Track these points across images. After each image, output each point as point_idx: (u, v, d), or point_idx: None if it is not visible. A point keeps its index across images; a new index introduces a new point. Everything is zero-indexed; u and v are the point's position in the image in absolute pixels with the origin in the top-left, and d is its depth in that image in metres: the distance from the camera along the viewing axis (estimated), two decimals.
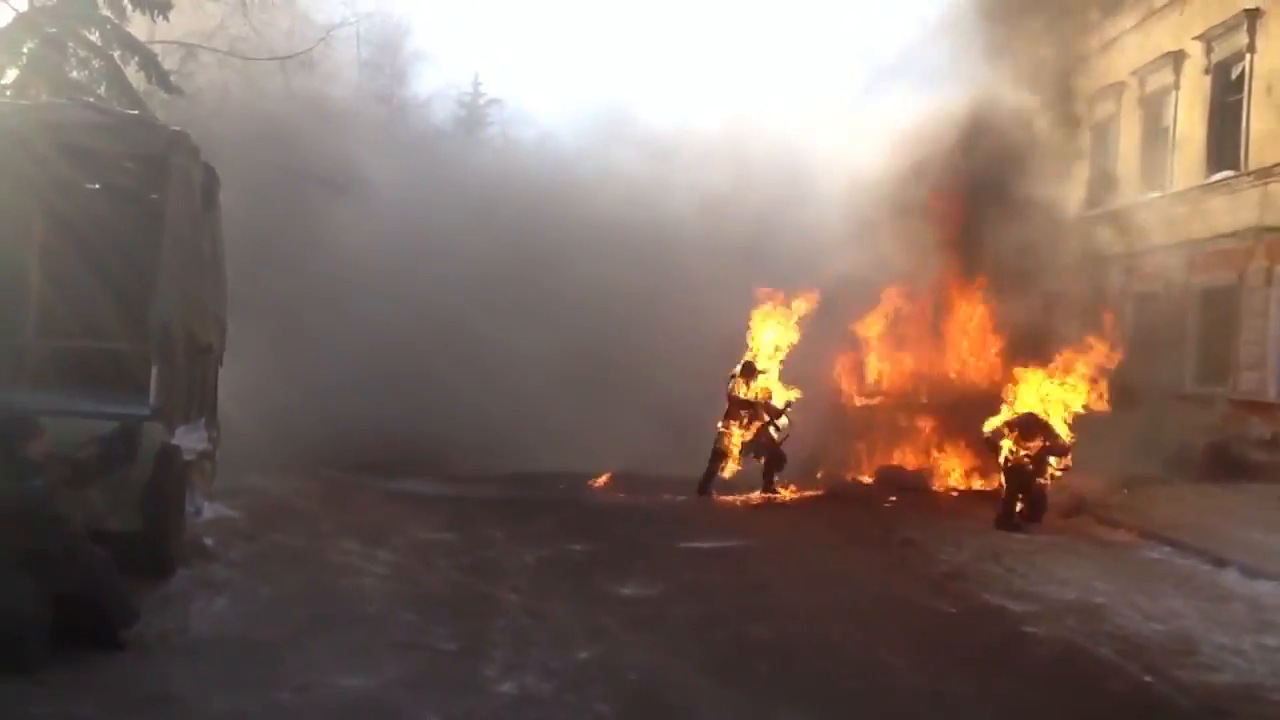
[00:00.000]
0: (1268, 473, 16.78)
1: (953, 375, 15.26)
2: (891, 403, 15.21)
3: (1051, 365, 12.90)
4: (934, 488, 13.73)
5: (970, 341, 15.42)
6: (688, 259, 17.81)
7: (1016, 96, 16.75)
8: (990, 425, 12.61)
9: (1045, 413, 12.49)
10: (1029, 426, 12.43)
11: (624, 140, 21.07)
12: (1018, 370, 12.99)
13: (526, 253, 18.44)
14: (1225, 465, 17.60)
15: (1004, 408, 12.73)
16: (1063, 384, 12.71)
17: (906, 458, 14.89)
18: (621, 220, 18.36)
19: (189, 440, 9.29)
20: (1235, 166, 18.46)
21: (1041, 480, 12.28)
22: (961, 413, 14.76)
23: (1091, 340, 13.26)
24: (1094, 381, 12.87)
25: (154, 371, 7.57)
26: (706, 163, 19.44)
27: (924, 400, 15.18)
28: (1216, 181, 19.09)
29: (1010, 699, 6.30)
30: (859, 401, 15.47)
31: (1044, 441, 12.32)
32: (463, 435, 15.27)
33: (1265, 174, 17.66)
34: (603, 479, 14.30)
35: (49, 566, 6.09)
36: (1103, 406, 12.93)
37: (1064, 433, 12.41)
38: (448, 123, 32.34)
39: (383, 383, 16.34)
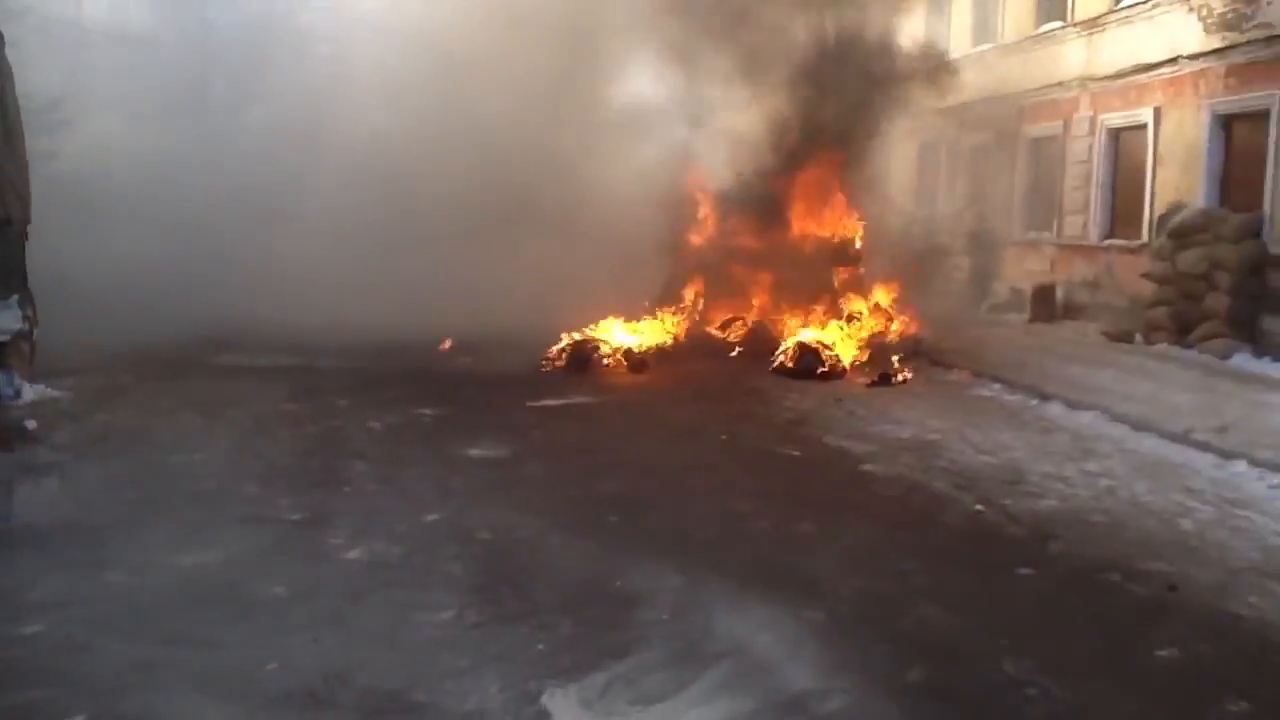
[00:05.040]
0: (1090, 313, 17.71)
1: (794, 230, 15.39)
2: (734, 254, 15.25)
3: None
4: (779, 338, 13.93)
5: (812, 199, 15.53)
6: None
7: None
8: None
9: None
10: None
11: None
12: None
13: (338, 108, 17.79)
14: (1052, 307, 18.51)
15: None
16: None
17: (748, 310, 15.06)
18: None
19: (0, 320, 8.74)
20: (1063, 18, 18.98)
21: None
22: (801, 266, 15.01)
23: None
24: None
25: None
26: None
27: (766, 254, 15.28)
28: (1044, 33, 19.58)
29: (854, 537, 6.51)
30: (701, 251, 15.48)
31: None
32: (296, 306, 14.80)
33: (1090, 24, 18.19)
34: (447, 344, 14.05)
35: None
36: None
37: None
38: None
39: (210, 256, 15.72)
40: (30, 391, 9.81)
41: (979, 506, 7.20)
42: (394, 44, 18.34)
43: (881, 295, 14.98)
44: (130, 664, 4.45)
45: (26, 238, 9.80)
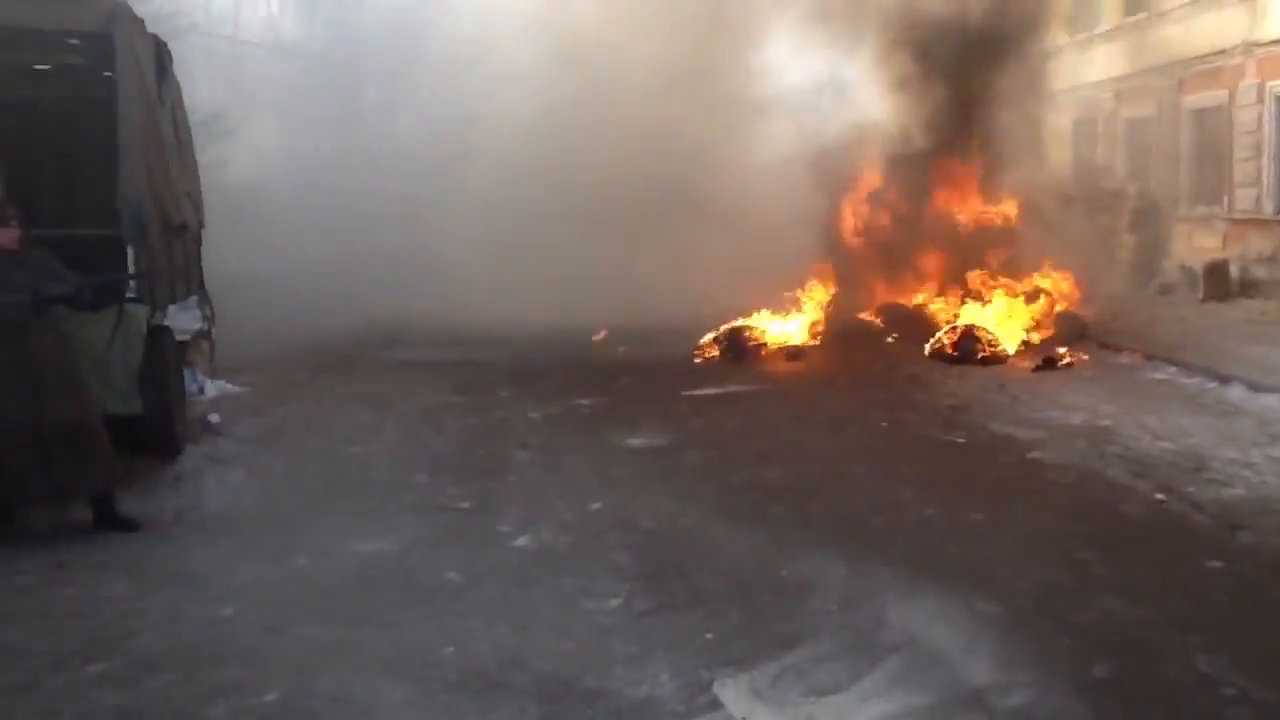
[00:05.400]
0: (1267, 289, 16.78)
1: (953, 214, 15.03)
2: (891, 240, 14.99)
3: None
4: (936, 322, 13.64)
5: (967, 178, 15.18)
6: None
7: None
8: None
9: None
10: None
11: None
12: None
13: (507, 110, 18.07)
14: (1226, 284, 17.62)
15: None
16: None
17: (907, 295, 14.81)
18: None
19: (182, 320, 9.18)
20: None
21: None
22: (957, 248, 14.68)
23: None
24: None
25: (130, 254, 7.40)
26: None
27: (921, 237, 14.97)
28: None
29: (1027, 526, 6.31)
30: (858, 239, 15.29)
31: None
32: (457, 301, 15.20)
33: None
34: (601, 334, 14.20)
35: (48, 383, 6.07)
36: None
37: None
38: None
39: (373, 254, 16.28)
40: (212, 387, 10.32)
41: (1160, 495, 6.90)
42: (542, 40, 18.61)
43: (1043, 276, 14.53)
44: (318, 646, 4.64)
45: (200, 241, 10.28)
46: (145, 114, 8.17)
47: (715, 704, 4.14)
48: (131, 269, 7.50)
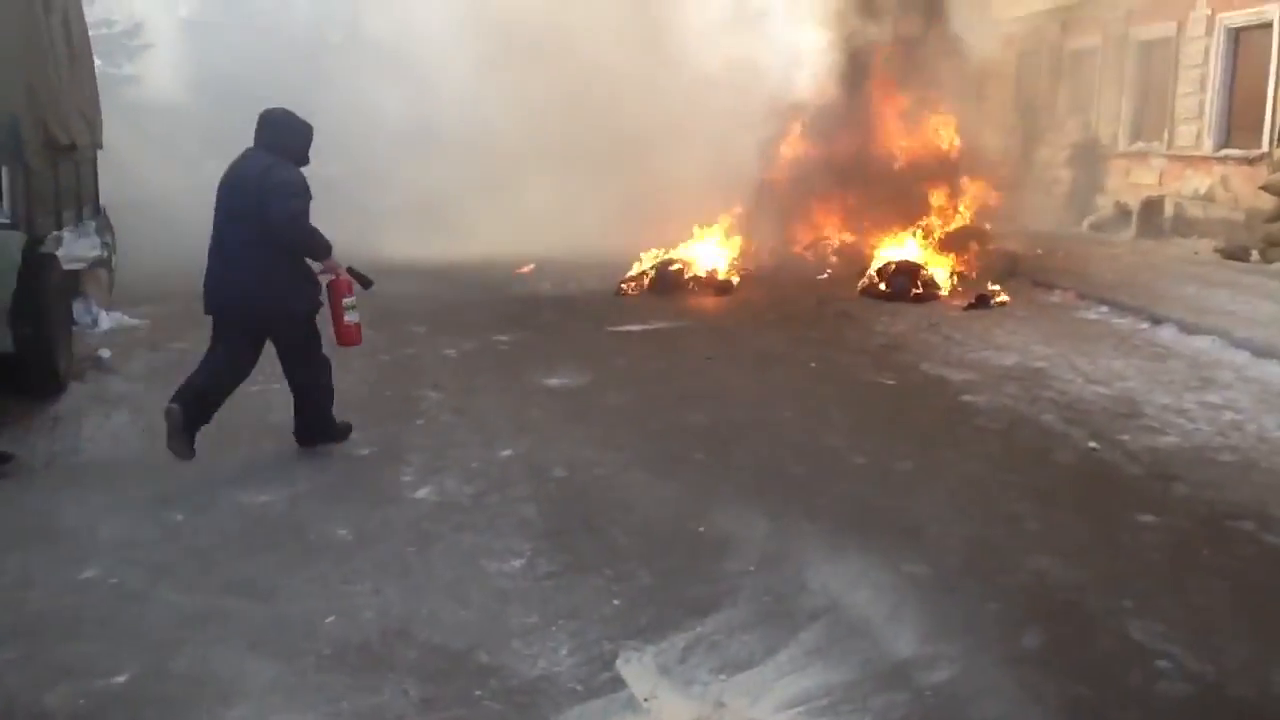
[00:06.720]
0: (1202, 228, 16.72)
1: (883, 149, 14.60)
2: (819, 175, 14.51)
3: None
4: (867, 258, 13.31)
5: (899, 116, 14.74)
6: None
7: None
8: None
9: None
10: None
11: None
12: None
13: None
14: (1161, 222, 17.55)
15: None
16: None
17: (835, 231, 14.43)
18: None
19: (76, 248, 8.56)
20: None
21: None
22: (891, 183, 14.28)
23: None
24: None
25: (4, 175, 6.77)
26: None
27: (851, 172, 14.53)
28: None
29: (957, 476, 6.03)
30: (784, 175, 14.79)
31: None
32: (376, 232, 14.62)
33: None
34: (528, 267, 13.72)
35: None
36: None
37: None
38: None
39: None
40: (107, 320, 9.72)
41: (1093, 443, 6.66)
42: None
43: (974, 213, 14.26)
44: (185, 616, 4.21)
45: (95, 163, 9.60)
46: (26, 20, 7.51)
47: (617, 681, 3.79)
48: (5, 192, 6.90)
